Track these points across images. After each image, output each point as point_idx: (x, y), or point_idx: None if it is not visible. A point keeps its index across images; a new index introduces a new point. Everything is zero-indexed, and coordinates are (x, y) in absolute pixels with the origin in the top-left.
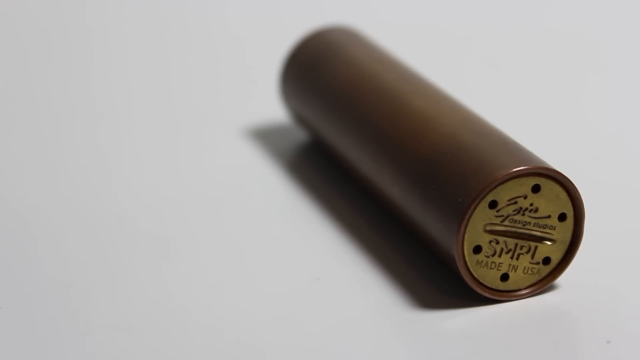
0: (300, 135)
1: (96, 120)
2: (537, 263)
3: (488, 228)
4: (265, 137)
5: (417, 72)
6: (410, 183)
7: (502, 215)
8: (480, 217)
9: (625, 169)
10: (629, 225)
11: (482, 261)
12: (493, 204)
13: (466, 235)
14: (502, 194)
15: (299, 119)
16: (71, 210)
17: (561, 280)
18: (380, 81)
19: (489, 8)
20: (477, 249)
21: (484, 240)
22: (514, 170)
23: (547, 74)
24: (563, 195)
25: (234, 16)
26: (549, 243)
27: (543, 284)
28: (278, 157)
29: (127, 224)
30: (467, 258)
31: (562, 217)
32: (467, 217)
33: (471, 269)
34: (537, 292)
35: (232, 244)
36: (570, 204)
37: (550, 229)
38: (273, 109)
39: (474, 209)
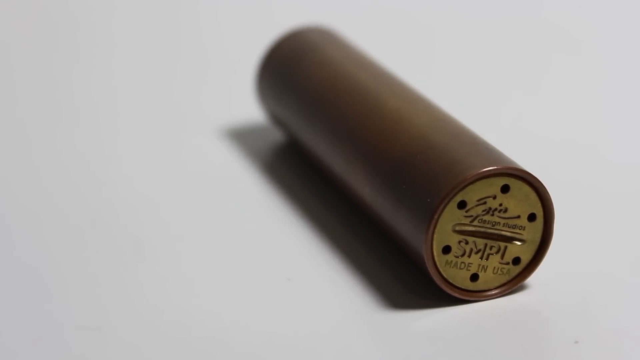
0: (276, 136)
1: (73, 119)
2: (507, 263)
3: (457, 228)
4: (242, 137)
5: (392, 73)
6: (381, 183)
7: (471, 216)
8: (449, 218)
9: (596, 169)
10: (599, 226)
11: (452, 261)
12: (462, 204)
13: (435, 236)
14: (471, 194)
15: (275, 119)
16: (46, 209)
17: (531, 280)
18: (354, 82)
19: (467, 8)
20: (447, 249)
21: (453, 240)
22: (483, 170)
23: (521, 74)
24: (532, 195)
25: (211, 15)
26: (518, 243)
27: (513, 284)
28: (254, 157)
29: (102, 224)
30: (436, 258)
31: (531, 218)
32: (435, 217)
33: (440, 269)
34: (507, 292)
35: (205, 243)
36: (539, 204)
37: (519, 229)
38: (250, 109)
39: (443, 209)
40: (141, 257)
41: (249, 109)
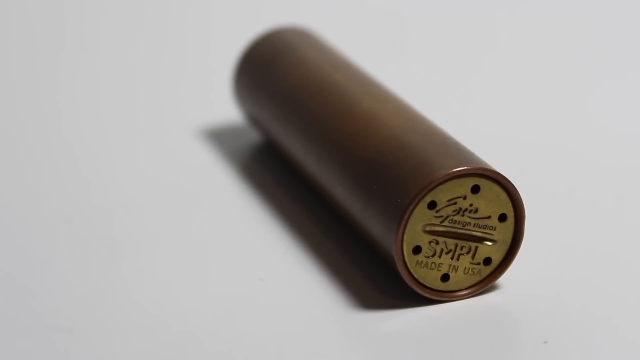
0: (254, 136)
1: (50, 119)
2: (478, 263)
3: (427, 229)
4: (219, 137)
5: (367, 73)
6: (353, 184)
7: (442, 216)
8: (419, 218)
9: (567, 169)
10: (570, 226)
11: (422, 262)
12: (432, 205)
13: (405, 236)
14: (441, 195)
15: (252, 119)
16: (21, 207)
17: (502, 280)
18: (328, 82)
19: (442, 8)
20: (417, 250)
21: (423, 240)
22: (453, 171)
23: (495, 75)
24: (503, 195)
25: (189, 15)
26: (489, 243)
27: (484, 284)
28: (231, 157)
29: (77, 223)
30: (406, 258)
31: (502, 218)
32: (405, 217)
33: (411, 270)
34: (478, 292)
35: (179, 243)
36: (510, 204)
37: (490, 229)
38: (227, 110)
39: (413, 209)
40: (115, 257)
41: (227, 110)
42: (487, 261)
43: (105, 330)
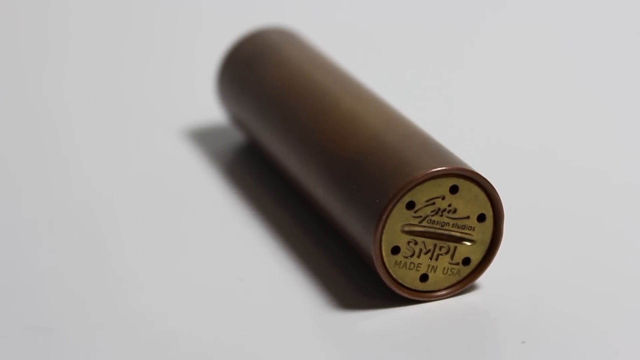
0: (237, 137)
1: (31, 119)
2: (457, 264)
3: (406, 229)
4: (203, 138)
5: (349, 73)
6: (332, 184)
7: (420, 216)
8: (398, 218)
9: (546, 171)
10: (549, 227)
11: (401, 262)
12: (410, 205)
13: (384, 236)
14: (420, 195)
15: (236, 120)
16: (2, 207)
17: (481, 280)
18: (310, 82)
19: (424, 10)
20: (396, 250)
21: (402, 241)
22: (431, 171)
23: (476, 75)
24: (482, 196)
25: (172, 15)
26: (468, 244)
27: (463, 284)
28: (214, 158)
29: (59, 223)
30: (385, 259)
31: (481, 218)
32: (384, 217)
33: (390, 270)
34: (457, 292)
35: (160, 243)
36: (489, 204)
37: (469, 229)
38: (211, 110)
39: (391, 209)
40: (96, 257)
41: (211, 110)
42: (466, 261)
43: (85, 330)
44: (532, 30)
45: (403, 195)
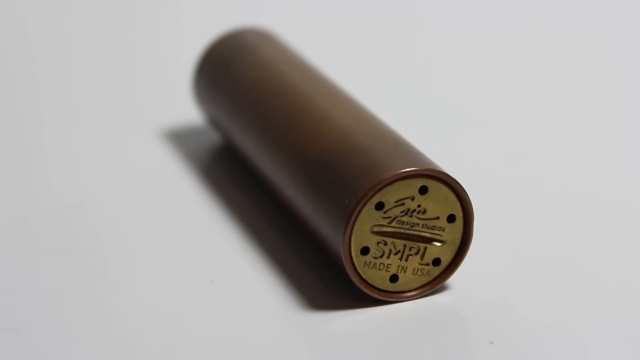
0: (214, 138)
1: (6, 119)
2: (427, 264)
3: (375, 229)
4: (179, 139)
5: (324, 74)
6: (303, 184)
7: (390, 217)
8: (367, 219)
9: (515, 169)
10: (520, 227)
11: (370, 262)
12: (380, 206)
13: (353, 237)
14: (389, 196)
15: (212, 120)
16: None
17: (452, 281)
18: (284, 83)
19: (402, 12)
20: (365, 250)
21: (371, 241)
22: (400, 172)
23: (451, 78)
24: (451, 196)
25: (149, 15)
26: (438, 244)
27: (433, 285)
28: (190, 158)
29: (31, 224)
30: (354, 259)
31: (451, 219)
32: (352, 218)
33: (359, 270)
34: (427, 293)
35: (134, 243)
36: (459, 205)
37: (439, 230)
38: (187, 111)
39: (360, 210)
40: (67, 258)
41: (187, 111)
42: (436, 262)
43: (52, 331)
44: (508, 33)
45: (372, 196)
